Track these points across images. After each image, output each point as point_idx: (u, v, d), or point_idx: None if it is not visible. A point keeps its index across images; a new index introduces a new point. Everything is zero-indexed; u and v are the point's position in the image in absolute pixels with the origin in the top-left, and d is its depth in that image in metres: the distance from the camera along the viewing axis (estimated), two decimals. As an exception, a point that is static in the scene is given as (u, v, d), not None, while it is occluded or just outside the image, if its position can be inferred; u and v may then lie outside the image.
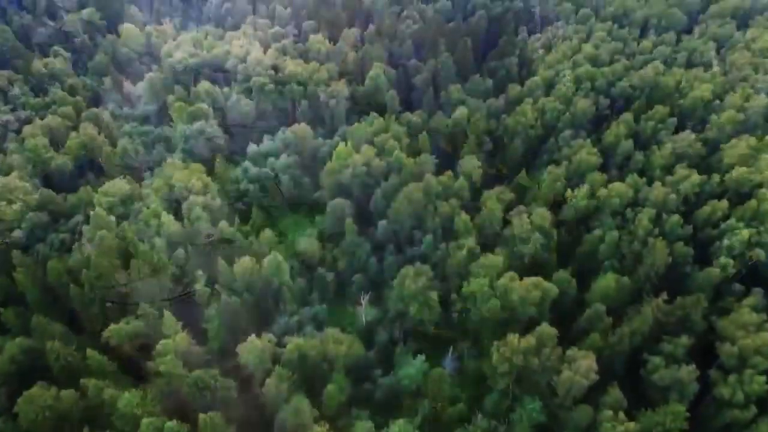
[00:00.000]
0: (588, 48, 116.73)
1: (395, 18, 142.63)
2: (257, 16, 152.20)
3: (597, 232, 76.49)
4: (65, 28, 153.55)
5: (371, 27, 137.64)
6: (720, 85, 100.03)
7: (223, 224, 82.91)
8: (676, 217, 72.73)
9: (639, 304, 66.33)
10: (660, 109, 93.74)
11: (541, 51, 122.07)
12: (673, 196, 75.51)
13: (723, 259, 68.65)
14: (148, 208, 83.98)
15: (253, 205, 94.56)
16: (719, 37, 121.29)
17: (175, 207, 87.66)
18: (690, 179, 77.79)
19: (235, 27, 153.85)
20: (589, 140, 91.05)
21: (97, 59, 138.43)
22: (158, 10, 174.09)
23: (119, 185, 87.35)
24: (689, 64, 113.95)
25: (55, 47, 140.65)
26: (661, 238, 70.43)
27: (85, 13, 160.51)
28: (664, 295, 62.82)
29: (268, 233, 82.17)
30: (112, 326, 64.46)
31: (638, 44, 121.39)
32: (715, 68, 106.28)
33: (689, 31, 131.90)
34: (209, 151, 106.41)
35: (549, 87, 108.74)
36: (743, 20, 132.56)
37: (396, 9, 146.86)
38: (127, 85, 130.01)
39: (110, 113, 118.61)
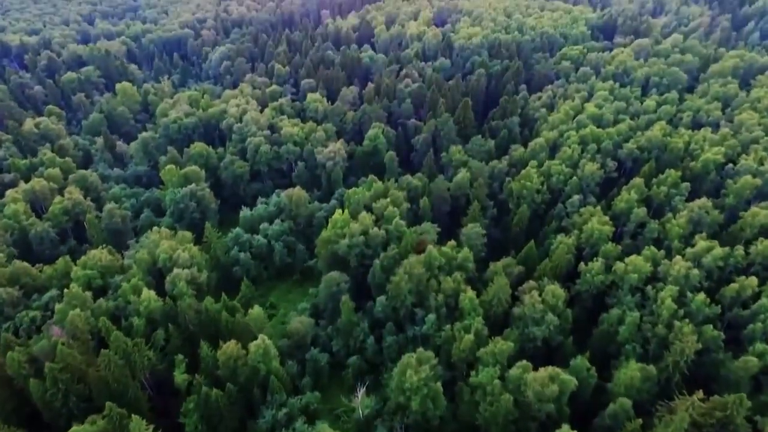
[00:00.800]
0: (591, 107, 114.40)
1: (394, 76, 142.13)
2: (256, 74, 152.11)
3: (615, 311, 70.06)
4: (63, 87, 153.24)
5: (370, 85, 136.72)
6: (731, 148, 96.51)
7: (209, 300, 76.46)
8: (701, 296, 66.54)
9: (669, 398, 58.96)
10: (672, 174, 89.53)
11: (542, 110, 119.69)
12: (696, 271, 69.67)
13: (759, 345, 61.95)
14: (128, 281, 77.86)
15: (243, 277, 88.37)
16: (723, 97, 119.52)
17: (158, 281, 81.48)
18: (712, 252, 72.21)
19: (234, 84, 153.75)
20: (599, 207, 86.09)
21: (92, 118, 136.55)
22: (158, 67, 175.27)
23: (99, 257, 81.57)
24: (696, 124, 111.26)
25: (50, 106, 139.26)
26: (687, 321, 63.94)
27: (84, 71, 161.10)
28: (700, 393, 55.66)
29: (257, 311, 75.55)
30: (75, 427, 56.80)
31: (641, 103, 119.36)
32: (724, 129, 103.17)
33: (691, 89, 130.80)
34: (200, 216, 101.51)
35: (553, 148, 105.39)
36: (744, 79, 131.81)
37: (395, 67, 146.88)
38: (121, 145, 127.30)
39: (99, 175, 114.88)
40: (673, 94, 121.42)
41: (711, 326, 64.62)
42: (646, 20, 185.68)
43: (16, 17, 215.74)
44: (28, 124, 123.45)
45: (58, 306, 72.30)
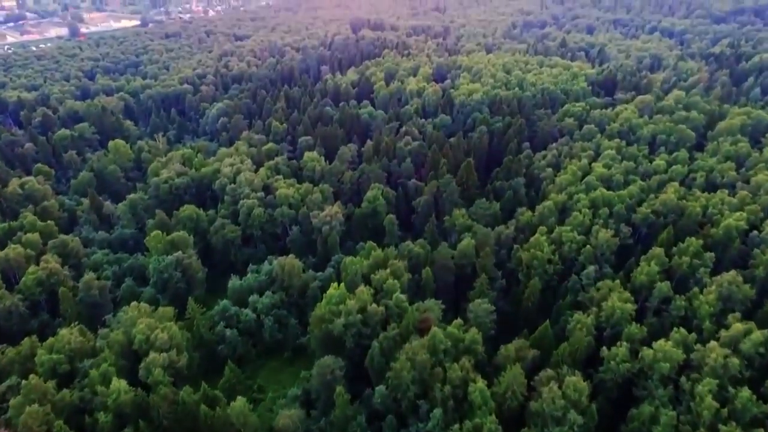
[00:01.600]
0: (599, 167, 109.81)
1: (394, 133, 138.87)
2: (253, 131, 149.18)
3: (646, 406, 61.60)
4: (55, 144, 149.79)
5: (369, 143, 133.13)
6: (753, 213, 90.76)
7: (187, 390, 68.02)
8: (746, 393, 58.41)
9: None
10: (693, 242, 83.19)
11: (548, 170, 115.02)
12: (735, 360, 61.83)
13: (820, 454, 53.38)
14: (98, 368, 69.70)
15: (228, 359, 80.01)
16: (735, 156, 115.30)
17: (132, 364, 73.26)
18: (751, 337, 64.61)
19: (231, 141, 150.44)
20: (617, 280, 79.06)
21: (81, 176, 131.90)
22: (155, 123, 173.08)
23: (68, 338, 73.74)
24: (710, 185, 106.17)
25: (39, 165, 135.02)
26: (734, 424, 55.55)
27: (79, 128, 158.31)
28: None
29: (240, 403, 66.84)
30: None
31: (650, 162, 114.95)
32: (741, 191, 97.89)
33: (700, 148, 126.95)
34: (185, 286, 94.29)
35: (562, 212, 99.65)
36: (754, 137, 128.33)
37: (394, 124, 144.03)
38: (109, 206, 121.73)
39: (83, 238, 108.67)
40: (683, 153, 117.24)
41: (762, 429, 56.08)
42: (646, 76, 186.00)
43: (18, 73, 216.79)
44: (14, 184, 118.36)
45: (13, 400, 63.91)
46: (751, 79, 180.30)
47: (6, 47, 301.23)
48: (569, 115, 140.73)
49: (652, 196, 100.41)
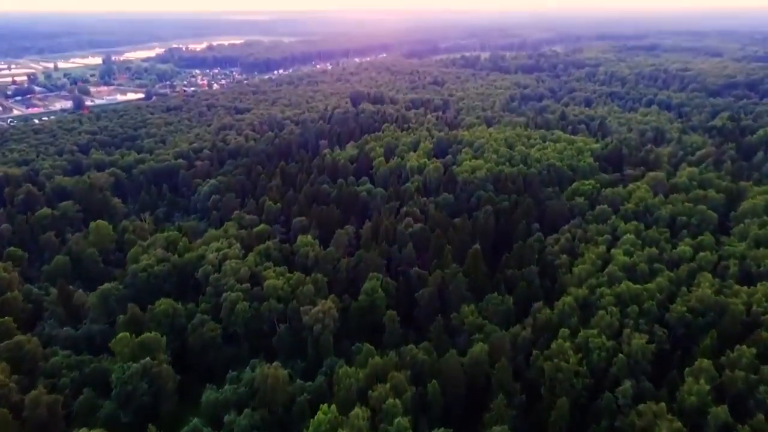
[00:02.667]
0: (619, 255, 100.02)
1: (394, 214, 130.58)
2: (245, 210, 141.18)
3: None
4: (34, 224, 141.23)
5: (368, 224, 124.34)
6: (805, 312, 79.70)
7: None
8: None
9: None
10: (745, 352, 71.45)
11: (563, 256, 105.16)
12: None
13: None
14: None
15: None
16: (766, 240, 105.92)
17: None
18: None
19: (221, 220, 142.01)
20: (662, 403, 66.34)
21: (56, 261, 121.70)
22: (144, 200, 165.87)
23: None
24: (744, 275, 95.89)
25: (12, 249, 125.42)
26: None
27: (62, 206, 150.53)
28: None
29: None
30: None
31: (674, 248, 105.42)
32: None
33: (725, 230, 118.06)
34: (152, 399, 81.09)
35: (584, 308, 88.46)
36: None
37: (395, 204, 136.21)
38: (81, 295, 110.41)
39: (45, 335, 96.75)
40: (708, 237, 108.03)
41: None
42: (652, 150, 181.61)
43: (12, 147, 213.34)
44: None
45: None
46: (760, 153, 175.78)
47: (9, 120, 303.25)
48: (579, 194, 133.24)
49: (684, 289, 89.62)
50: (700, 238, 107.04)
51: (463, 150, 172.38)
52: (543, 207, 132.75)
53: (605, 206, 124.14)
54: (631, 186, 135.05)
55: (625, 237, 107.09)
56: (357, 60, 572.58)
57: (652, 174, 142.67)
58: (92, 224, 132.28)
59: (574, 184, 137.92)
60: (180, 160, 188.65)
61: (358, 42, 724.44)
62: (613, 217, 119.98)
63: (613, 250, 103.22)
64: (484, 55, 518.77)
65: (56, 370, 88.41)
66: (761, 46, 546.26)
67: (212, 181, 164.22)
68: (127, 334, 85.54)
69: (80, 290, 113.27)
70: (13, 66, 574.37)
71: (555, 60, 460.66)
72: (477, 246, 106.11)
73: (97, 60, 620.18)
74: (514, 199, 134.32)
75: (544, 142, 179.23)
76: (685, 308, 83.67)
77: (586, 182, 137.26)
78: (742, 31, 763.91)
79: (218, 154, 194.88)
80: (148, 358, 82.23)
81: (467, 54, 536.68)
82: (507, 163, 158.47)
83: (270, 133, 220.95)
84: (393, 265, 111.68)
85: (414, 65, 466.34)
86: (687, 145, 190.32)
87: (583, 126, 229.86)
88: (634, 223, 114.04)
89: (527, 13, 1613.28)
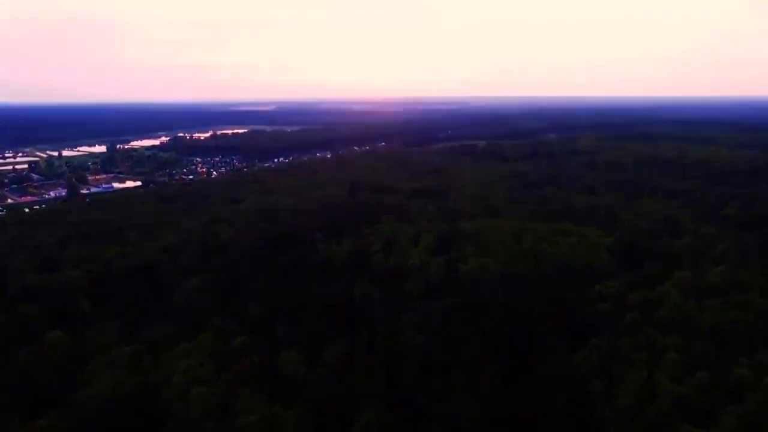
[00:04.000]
0: (666, 382, 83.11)
1: (392, 321, 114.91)
2: (226, 315, 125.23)
3: None
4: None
5: (364, 333, 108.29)
6: None
7: None
8: None
9: None
10: None
11: (596, 383, 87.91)
12: None
13: None
14: None
15: None
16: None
17: None
18: None
19: (197, 327, 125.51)
20: None
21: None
22: (116, 302, 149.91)
23: None
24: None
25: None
26: None
27: (23, 308, 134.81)
28: None
29: None
30: None
31: (728, 370, 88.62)
32: None
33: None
34: None
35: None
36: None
37: (394, 309, 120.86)
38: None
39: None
40: (765, 357, 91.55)
41: None
42: (670, 243, 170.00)
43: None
44: None
45: None
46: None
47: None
48: (603, 298, 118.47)
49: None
50: (758, 359, 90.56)
51: (468, 245, 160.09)
52: (563, 313, 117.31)
53: (636, 314, 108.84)
54: (660, 289, 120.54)
55: (667, 356, 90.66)
56: (356, 149, 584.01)
57: (679, 274, 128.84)
58: (48, 335, 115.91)
59: (597, 287, 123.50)
60: (164, 255, 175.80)
61: (358, 131, 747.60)
62: (647, 327, 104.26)
63: (656, 374, 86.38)
64: (482, 143, 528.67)
65: None
66: (750, 135, 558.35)
67: (194, 280, 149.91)
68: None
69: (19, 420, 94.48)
70: (19, 155, 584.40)
71: (552, 148, 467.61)
72: (492, 366, 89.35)
73: (103, 148, 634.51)
74: (528, 304, 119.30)
75: (554, 235, 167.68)
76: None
77: (610, 285, 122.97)
78: (730, 119, 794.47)
79: (204, 249, 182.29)
80: None
81: (465, 143, 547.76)
82: (516, 260, 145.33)
83: (262, 225, 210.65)
84: (392, 384, 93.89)
85: (413, 153, 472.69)
86: (706, 237, 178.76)
87: (589, 215, 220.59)
88: (674, 338, 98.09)
89: (518, 103, 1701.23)
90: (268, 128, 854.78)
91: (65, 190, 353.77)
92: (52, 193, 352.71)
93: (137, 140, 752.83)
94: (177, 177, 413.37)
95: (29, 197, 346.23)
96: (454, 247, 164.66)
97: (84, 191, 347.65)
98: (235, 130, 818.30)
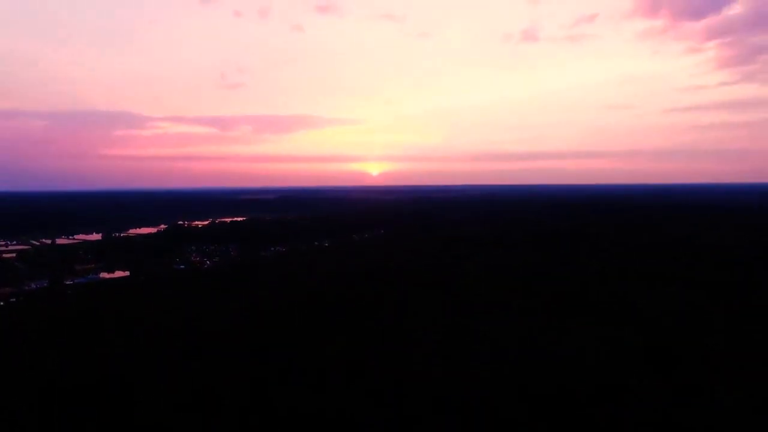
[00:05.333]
0: None
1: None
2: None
3: None
4: None
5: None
6: None
7: None
8: None
9: None
10: None
11: None
12: None
13: None
14: None
15: None
16: None
17: None
18: None
19: None
20: None
21: None
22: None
23: None
24: None
25: None
26: None
27: None
28: None
29: None
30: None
31: None
32: None
33: None
34: None
35: None
36: None
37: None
38: None
39: None
40: None
41: None
42: (704, 343, 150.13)
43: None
44: None
45: None
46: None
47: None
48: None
49: None
50: None
51: (481, 351, 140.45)
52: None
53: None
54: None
55: None
56: (356, 237, 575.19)
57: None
58: None
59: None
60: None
61: (358, 219, 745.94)
62: None
63: None
64: (484, 231, 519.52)
65: None
66: (758, 218, 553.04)
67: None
68: None
69: None
70: (11, 245, 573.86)
71: (558, 235, 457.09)
72: None
73: (99, 236, 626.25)
74: None
75: (569, 334, 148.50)
76: None
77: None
78: (730, 204, 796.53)
79: (181, 349, 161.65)
80: None
81: (467, 230, 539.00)
82: (536, 373, 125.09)
83: (246, 324, 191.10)
84: None
85: (416, 243, 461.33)
86: (744, 335, 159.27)
87: (607, 308, 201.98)
88: None
89: (517, 190, 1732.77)
90: (268, 216, 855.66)
91: (46, 281, 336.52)
92: (33, 284, 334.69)
93: (136, 228, 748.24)
94: (169, 266, 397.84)
95: (7, 288, 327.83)
96: (464, 351, 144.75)
97: (68, 282, 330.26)
98: (235, 219, 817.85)
